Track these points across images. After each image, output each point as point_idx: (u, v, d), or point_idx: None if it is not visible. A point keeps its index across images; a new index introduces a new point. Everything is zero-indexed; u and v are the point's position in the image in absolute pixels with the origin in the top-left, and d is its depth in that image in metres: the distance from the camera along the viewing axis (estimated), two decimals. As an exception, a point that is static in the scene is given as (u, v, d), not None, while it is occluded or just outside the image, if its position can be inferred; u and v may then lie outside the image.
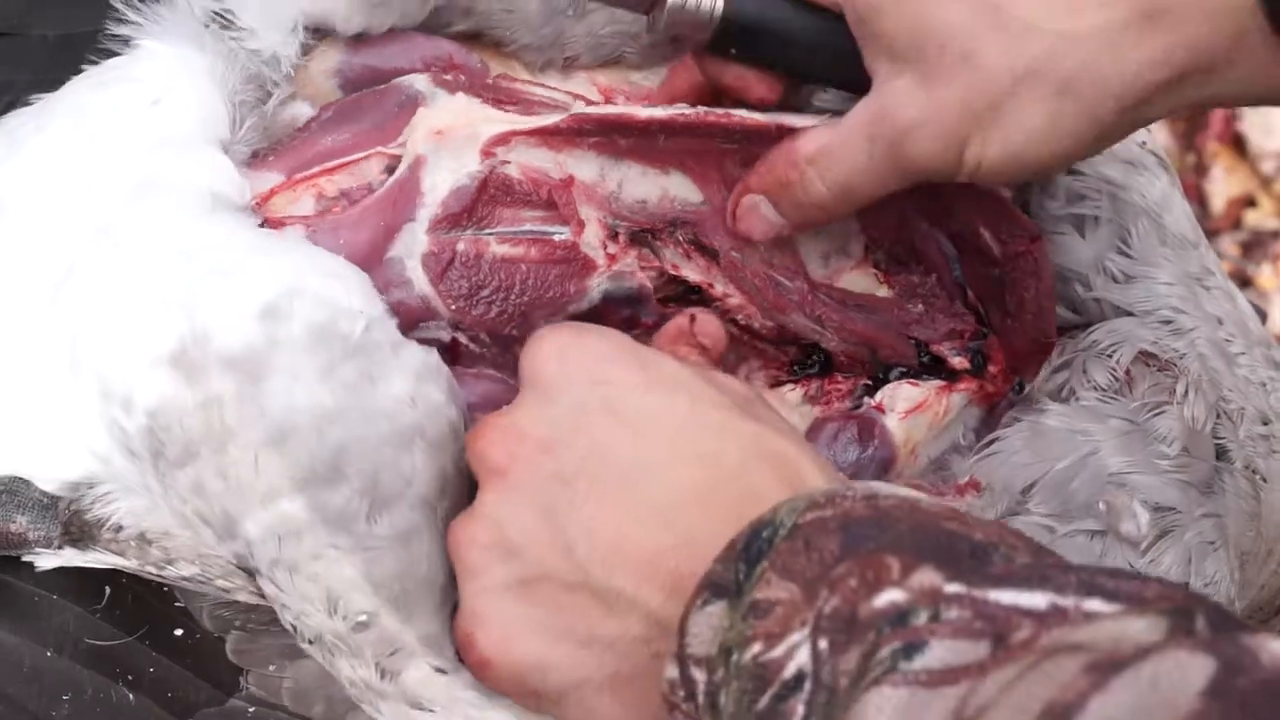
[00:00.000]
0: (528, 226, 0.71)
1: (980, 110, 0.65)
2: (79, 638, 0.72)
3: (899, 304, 0.75)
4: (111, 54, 0.72)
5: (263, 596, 0.68)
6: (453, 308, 0.70)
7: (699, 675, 0.53)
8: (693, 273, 0.73)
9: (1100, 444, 0.71)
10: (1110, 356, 0.74)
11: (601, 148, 0.71)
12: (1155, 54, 0.64)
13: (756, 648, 0.51)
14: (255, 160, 0.71)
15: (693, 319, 0.72)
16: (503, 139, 0.70)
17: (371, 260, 0.69)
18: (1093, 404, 0.73)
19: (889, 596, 0.49)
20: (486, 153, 0.70)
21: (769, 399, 0.71)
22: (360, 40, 0.74)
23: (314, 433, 0.63)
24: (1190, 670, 0.41)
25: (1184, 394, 0.73)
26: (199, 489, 0.65)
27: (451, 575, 0.64)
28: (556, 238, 0.71)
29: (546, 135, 0.71)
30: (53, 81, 0.73)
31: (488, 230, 0.70)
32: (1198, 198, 1.95)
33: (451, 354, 0.71)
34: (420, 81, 0.73)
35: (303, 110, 0.73)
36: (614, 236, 0.71)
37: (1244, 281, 1.92)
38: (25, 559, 0.71)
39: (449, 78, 0.73)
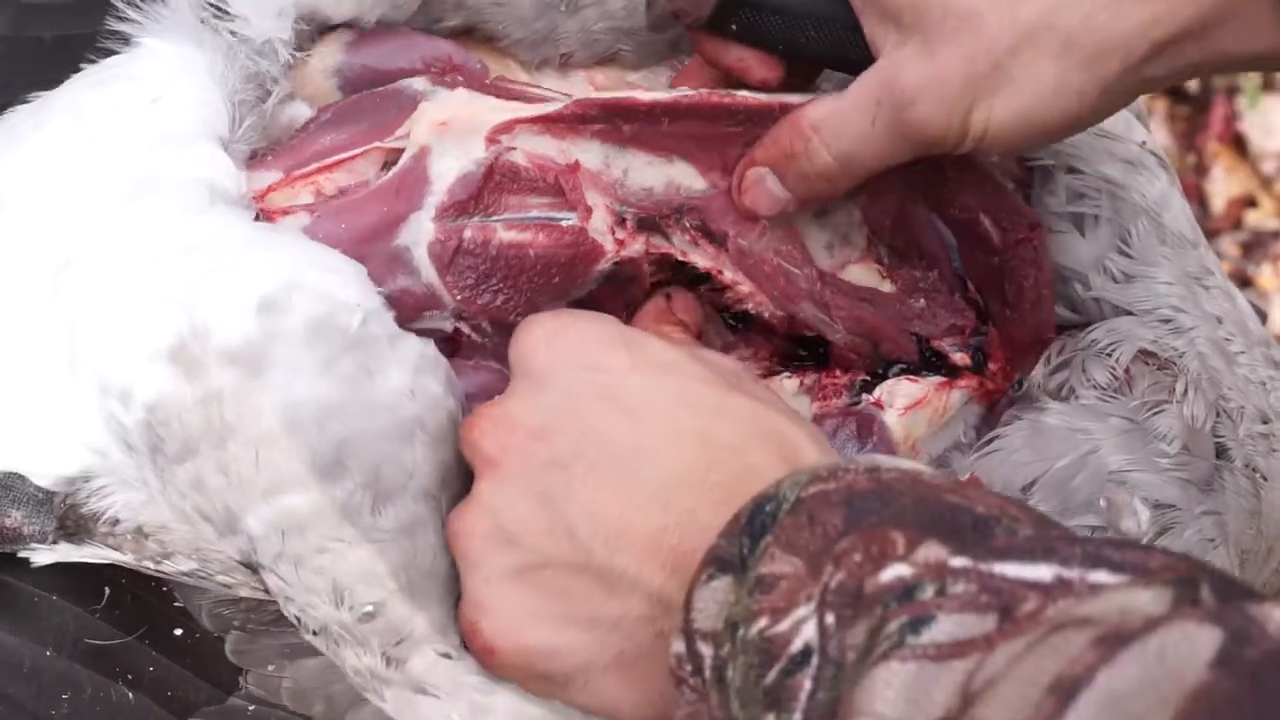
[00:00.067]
0: (535, 213, 0.71)
1: (984, 72, 0.65)
2: (78, 637, 0.72)
3: (901, 299, 0.75)
4: (110, 53, 0.72)
5: (265, 591, 0.68)
6: (458, 297, 0.70)
7: (705, 650, 0.53)
8: (701, 259, 0.73)
9: (1100, 442, 0.71)
10: (1110, 355, 0.74)
11: (605, 135, 0.71)
12: (1156, 10, 0.64)
13: (762, 622, 0.51)
14: (254, 160, 0.71)
15: (669, 297, 0.73)
16: (506, 127, 0.70)
17: (374, 247, 0.69)
18: (1092, 403, 0.73)
19: (895, 571, 0.49)
20: (491, 140, 0.70)
21: None
22: (359, 39, 0.74)
23: (315, 426, 0.63)
24: (1197, 642, 0.42)
25: (1183, 392, 0.74)
26: (199, 485, 0.65)
27: (455, 565, 0.64)
28: (564, 223, 0.71)
29: (550, 122, 0.71)
30: (50, 82, 0.73)
31: (495, 217, 0.70)
32: (1198, 198, 1.95)
33: (452, 345, 0.71)
34: (419, 82, 0.73)
35: (301, 111, 0.74)
36: (621, 222, 0.71)
37: (1244, 282, 1.92)
38: (21, 555, 0.71)
39: (448, 79, 0.73)
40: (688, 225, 0.72)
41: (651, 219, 0.72)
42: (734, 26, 0.72)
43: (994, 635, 0.46)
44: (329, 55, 0.74)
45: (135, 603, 0.75)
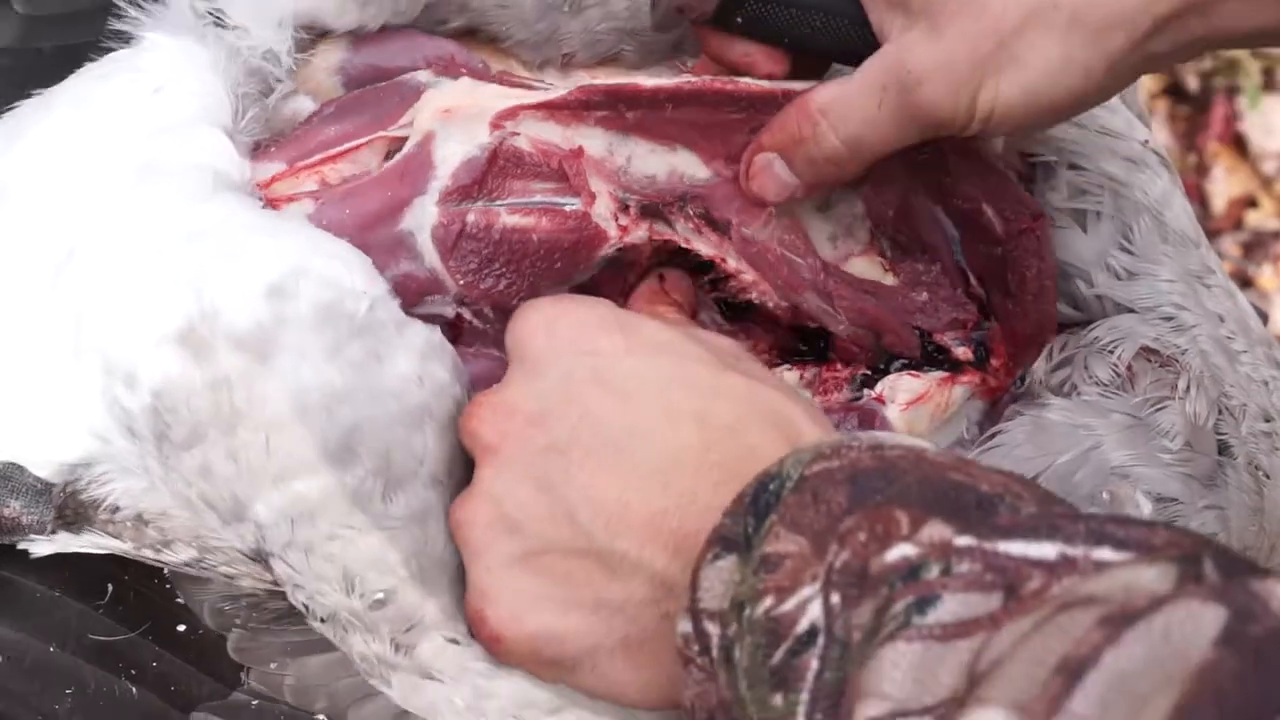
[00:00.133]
0: (538, 198, 0.71)
1: (990, 51, 0.65)
2: (81, 633, 0.72)
3: (903, 292, 0.75)
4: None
5: (271, 581, 0.68)
6: (461, 282, 0.70)
7: (712, 629, 0.54)
8: (704, 247, 0.73)
9: (1102, 438, 0.71)
10: (1112, 352, 0.74)
11: (608, 123, 0.71)
12: None
13: (768, 602, 0.51)
14: (257, 152, 0.71)
15: (662, 278, 0.73)
16: (511, 113, 0.71)
17: (378, 232, 0.69)
18: (1094, 399, 0.73)
19: (900, 551, 0.49)
20: (495, 125, 0.70)
21: None
22: (363, 38, 0.74)
23: (325, 412, 0.63)
24: (1202, 620, 0.42)
25: (1186, 389, 0.74)
26: (206, 472, 0.65)
27: None
28: (568, 208, 0.71)
29: (554, 109, 0.71)
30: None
31: (498, 201, 0.70)
32: (1199, 198, 1.95)
33: (454, 331, 0.71)
34: (423, 74, 0.73)
35: (305, 105, 0.74)
36: (625, 209, 0.72)
37: (1245, 282, 1.92)
38: (20, 546, 0.71)
39: (451, 73, 0.73)
40: (691, 213, 0.72)
41: (655, 206, 0.72)
42: (739, 20, 0.72)
43: (999, 614, 0.46)
44: (333, 54, 0.74)
45: (138, 599, 0.75)
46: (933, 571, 0.48)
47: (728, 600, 0.53)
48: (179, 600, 0.76)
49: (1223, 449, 0.75)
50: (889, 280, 0.75)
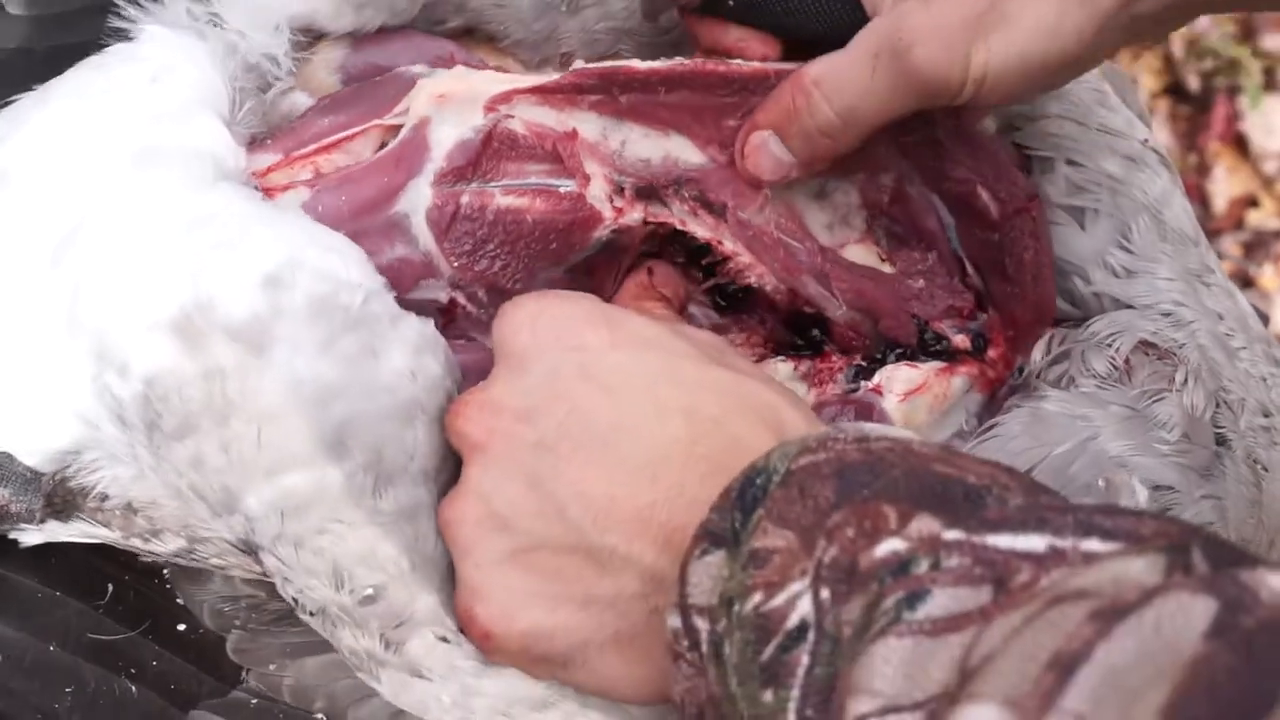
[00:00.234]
0: (533, 179, 0.71)
1: (983, 11, 0.65)
2: (81, 633, 0.72)
3: (900, 280, 0.75)
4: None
5: (262, 573, 0.68)
6: (456, 264, 0.70)
7: (701, 624, 0.53)
8: (700, 229, 0.73)
9: (1100, 429, 0.71)
10: (1110, 346, 0.74)
11: (602, 107, 0.71)
12: None
13: (757, 598, 0.51)
14: (252, 145, 0.71)
15: (650, 271, 0.73)
16: (505, 97, 0.71)
17: (374, 216, 0.69)
18: (1092, 391, 0.73)
19: (889, 546, 0.49)
20: (490, 108, 0.71)
21: None
22: (362, 38, 0.74)
23: (318, 406, 0.63)
24: (1192, 612, 0.42)
25: (1183, 381, 0.73)
26: (198, 463, 0.64)
27: None
28: (562, 189, 0.71)
29: (548, 93, 0.71)
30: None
31: (493, 183, 0.70)
32: (1199, 198, 1.95)
33: (447, 316, 0.71)
34: (417, 67, 0.73)
35: (302, 100, 0.74)
36: (620, 191, 0.72)
37: (1246, 282, 1.92)
38: (11, 536, 0.71)
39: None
40: (686, 195, 0.72)
41: (650, 187, 0.72)
42: (731, 3, 0.72)
43: (989, 608, 0.46)
44: (332, 53, 0.74)
45: (138, 599, 0.75)
46: (922, 566, 0.48)
47: (716, 596, 0.53)
48: (179, 601, 0.76)
49: (1220, 442, 0.74)
50: (885, 269, 0.75)
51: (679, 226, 0.72)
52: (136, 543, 0.70)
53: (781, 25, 0.72)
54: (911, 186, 0.75)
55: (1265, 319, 0.87)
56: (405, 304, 0.69)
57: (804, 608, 0.50)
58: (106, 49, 0.71)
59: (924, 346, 0.75)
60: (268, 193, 0.69)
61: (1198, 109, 2.00)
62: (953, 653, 0.45)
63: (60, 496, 0.69)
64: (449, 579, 0.66)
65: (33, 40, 0.77)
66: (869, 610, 0.48)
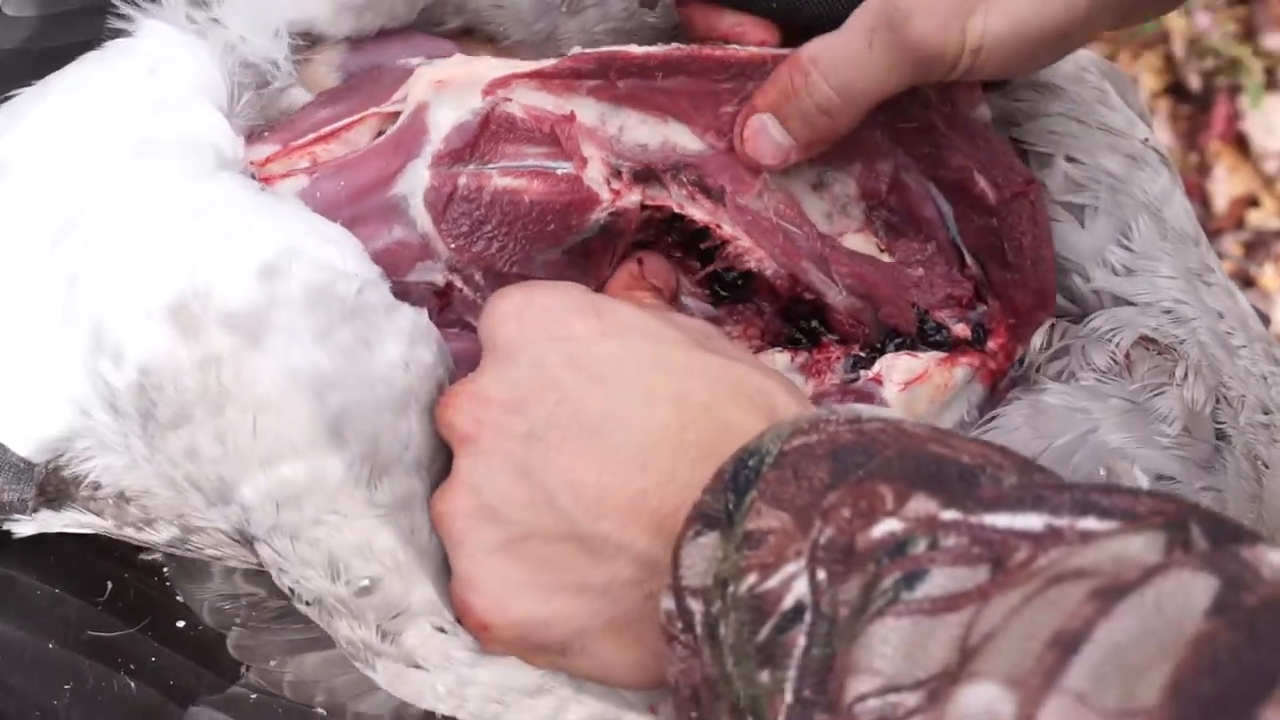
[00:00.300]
0: (530, 161, 0.71)
1: None
2: (81, 630, 0.73)
3: (899, 268, 0.75)
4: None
5: (258, 563, 0.68)
6: (453, 245, 0.70)
7: (696, 606, 0.53)
8: (698, 212, 0.73)
9: (1100, 421, 0.71)
10: (1110, 341, 0.74)
11: (600, 93, 0.72)
12: None
13: (752, 579, 0.51)
14: (251, 138, 0.71)
15: (640, 261, 0.73)
16: (503, 81, 0.71)
17: (372, 199, 0.70)
18: (1092, 384, 0.73)
19: (886, 527, 0.49)
20: (488, 92, 0.71)
21: None
22: (362, 40, 0.74)
23: (315, 396, 0.63)
24: (1193, 590, 0.42)
25: (1184, 376, 0.73)
26: (192, 453, 0.64)
27: None
28: (559, 171, 0.71)
29: (546, 78, 0.71)
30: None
31: (491, 165, 0.71)
32: (1200, 197, 1.95)
33: (444, 299, 0.71)
34: (415, 60, 0.73)
35: (301, 97, 0.74)
36: (617, 174, 0.72)
37: (1247, 281, 1.92)
38: (5, 527, 0.71)
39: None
40: (685, 180, 0.72)
41: (648, 170, 0.72)
42: None
43: (987, 587, 0.46)
44: (333, 54, 0.74)
45: (138, 596, 0.75)
46: (920, 546, 0.48)
47: (710, 577, 0.53)
48: (178, 598, 0.76)
49: (1220, 437, 0.74)
50: (885, 259, 0.75)
51: (677, 210, 0.73)
52: (129, 532, 0.69)
53: (776, 8, 0.72)
54: (908, 175, 0.75)
55: (1266, 319, 0.87)
56: (402, 287, 0.69)
57: (800, 589, 0.49)
58: (107, 43, 0.71)
59: (924, 336, 0.75)
60: (266, 182, 0.69)
61: (1198, 108, 2.00)
62: (952, 632, 0.45)
63: (53, 485, 0.68)
64: (445, 570, 0.65)
65: (30, 41, 0.77)
66: (866, 591, 0.48)
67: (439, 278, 0.70)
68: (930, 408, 0.74)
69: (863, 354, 0.75)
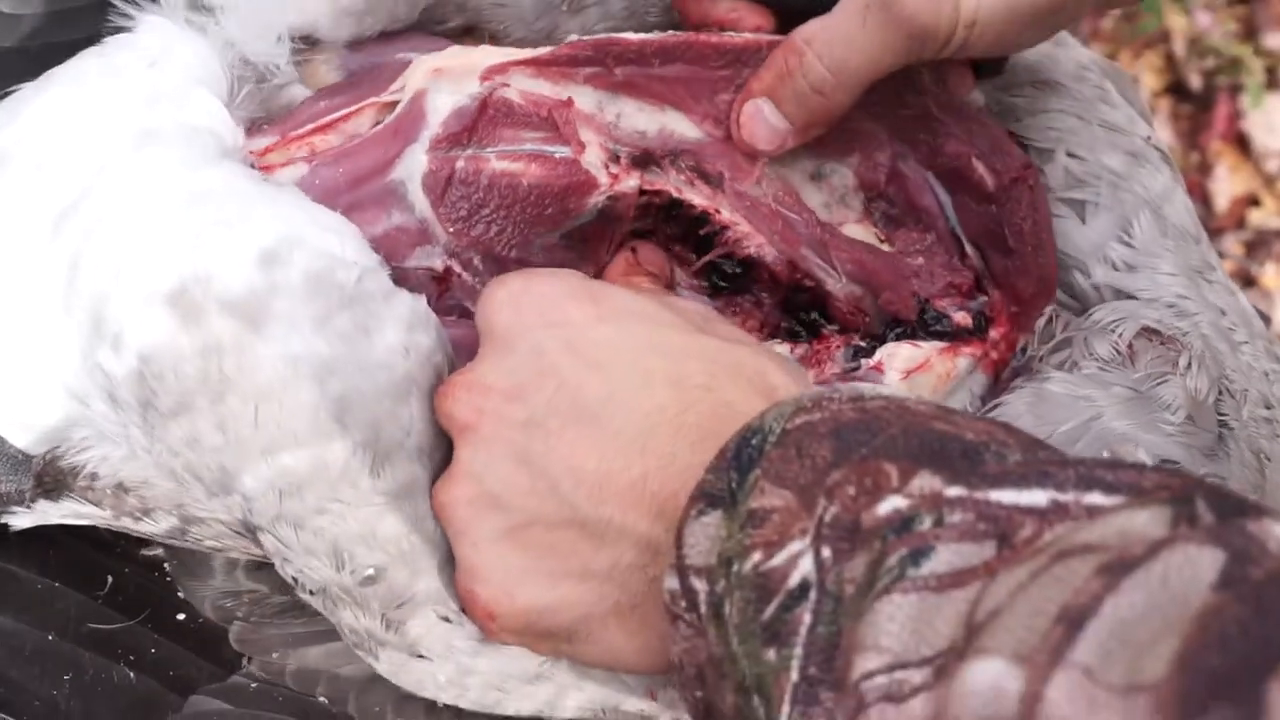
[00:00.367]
0: (528, 145, 0.71)
1: None
2: (81, 622, 0.73)
3: (899, 257, 0.75)
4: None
5: (261, 554, 0.68)
6: (451, 229, 0.70)
7: (700, 585, 0.53)
8: (697, 197, 0.73)
9: (1104, 409, 0.71)
10: (1113, 332, 0.74)
11: (598, 81, 0.72)
12: None
13: (756, 557, 0.51)
14: (251, 130, 0.71)
15: (634, 250, 0.73)
16: (501, 68, 0.71)
17: (371, 185, 0.69)
18: (1095, 373, 0.73)
19: (891, 504, 0.49)
20: (485, 77, 0.71)
21: None
22: (364, 40, 0.74)
23: (315, 383, 0.63)
24: (1199, 564, 0.42)
25: (1187, 366, 0.73)
26: (193, 442, 0.64)
27: None
28: (557, 155, 0.71)
29: (543, 65, 0.71)
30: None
31: (488, 148, 0.71)
32: (1201, 196, 1.95)
33: (443, 284, 0.71)
34: (414, 54, 0.73)
35: (301, 93, 0.74)
36: (615, 159, 0.72)
37: (1248, 281, 1.92)
38: (2, 520, 0.71)
39: None
40: (683, 165, 0.72)
41: (646, 155, 0.72)
42: None
43: (993, 562, 0.46)
44: (334, 53, 0.74)
45: (138, 590, 0.75)
46: (925, 523, 0.48)
47: (714, 556, 0.53)
48: (179, 593, 0.76)
49: (1223, 428, 0.74)
50: (884, 249, 0.75)
51: (675, 194, 0.73)
52: (127, 522, 0.69)
53: None
54: (906, 165, 0.75)
55: (1266, 319, 0.87)
56: (401, 272, 0.69)
57: (805, 566, 0.49)
58: (108, 38, 0.71)
59: (925, 325, 0.75)
60: (265, 171, 0.69)
61: (1199, 108, 2.00)
62: (959, 608, 0.45)
63: (51, 476, 0.68)
64: (450, 560, 0.65)
65: (30, 38, 0.77)
66: (872, 568, 0.48)
67: (438, 263, 0.70)
68: (932, 397, 0.73)
69: (863, 343, 0.74)
